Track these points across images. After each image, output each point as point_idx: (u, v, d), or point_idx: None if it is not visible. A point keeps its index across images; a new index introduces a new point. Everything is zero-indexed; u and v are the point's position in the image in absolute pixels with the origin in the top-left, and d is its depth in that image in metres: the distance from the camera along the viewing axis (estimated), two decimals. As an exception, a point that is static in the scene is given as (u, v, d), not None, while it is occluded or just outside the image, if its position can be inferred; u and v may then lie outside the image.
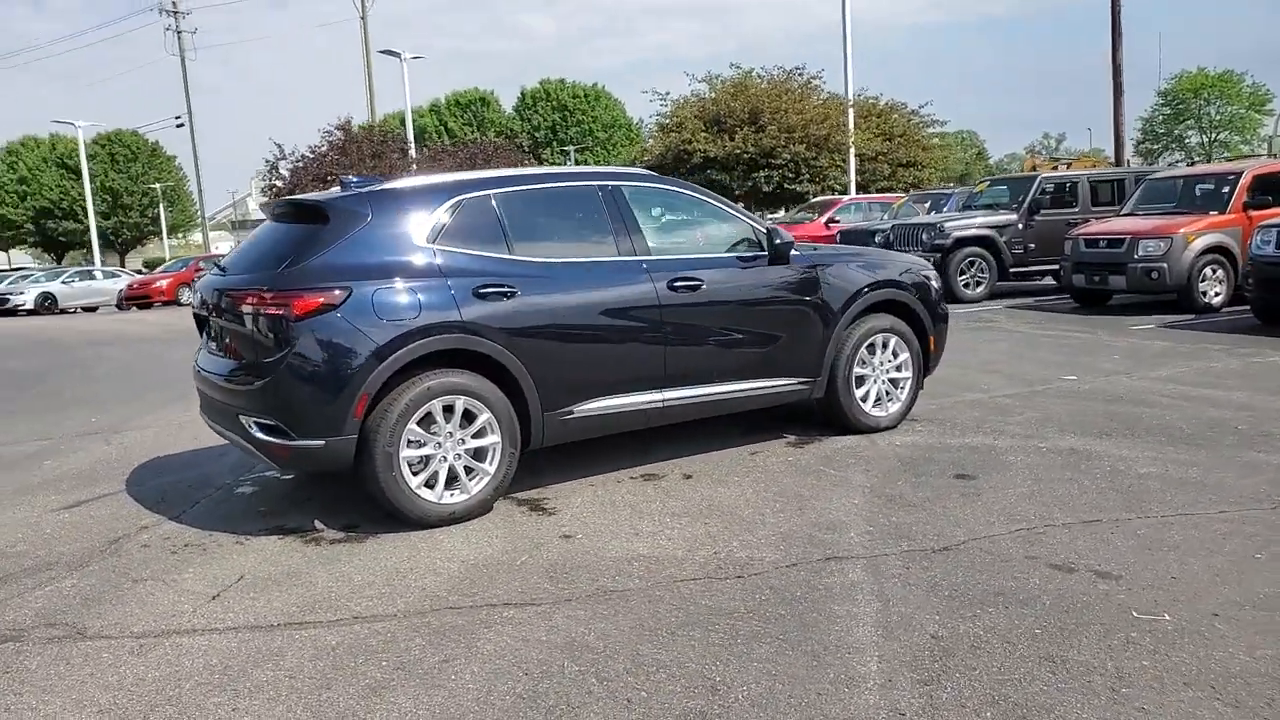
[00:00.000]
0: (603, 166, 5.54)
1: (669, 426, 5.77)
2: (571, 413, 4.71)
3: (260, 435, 4.25)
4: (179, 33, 47.26)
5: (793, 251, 5.42)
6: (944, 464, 5.08)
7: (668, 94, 28.28)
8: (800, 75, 27.38)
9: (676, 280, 4.97)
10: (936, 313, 6.05)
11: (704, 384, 5.14)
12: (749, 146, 25.23)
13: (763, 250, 5.35)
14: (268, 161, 28.80)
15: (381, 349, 4.16)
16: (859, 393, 5.73)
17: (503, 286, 4.49)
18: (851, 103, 26.12)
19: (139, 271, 39.44)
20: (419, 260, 4.38)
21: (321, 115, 49.29)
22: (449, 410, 4.36)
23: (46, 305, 29.86)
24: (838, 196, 22.62)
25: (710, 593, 3.52)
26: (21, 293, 30.29)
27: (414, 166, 30.34)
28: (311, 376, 4.13)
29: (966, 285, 14.50)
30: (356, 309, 4.17)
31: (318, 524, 4.52)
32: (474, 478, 4.46)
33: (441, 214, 4.51)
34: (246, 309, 4.23)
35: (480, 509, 4.47)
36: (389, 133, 29.15)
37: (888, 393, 5.86)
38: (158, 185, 62.37)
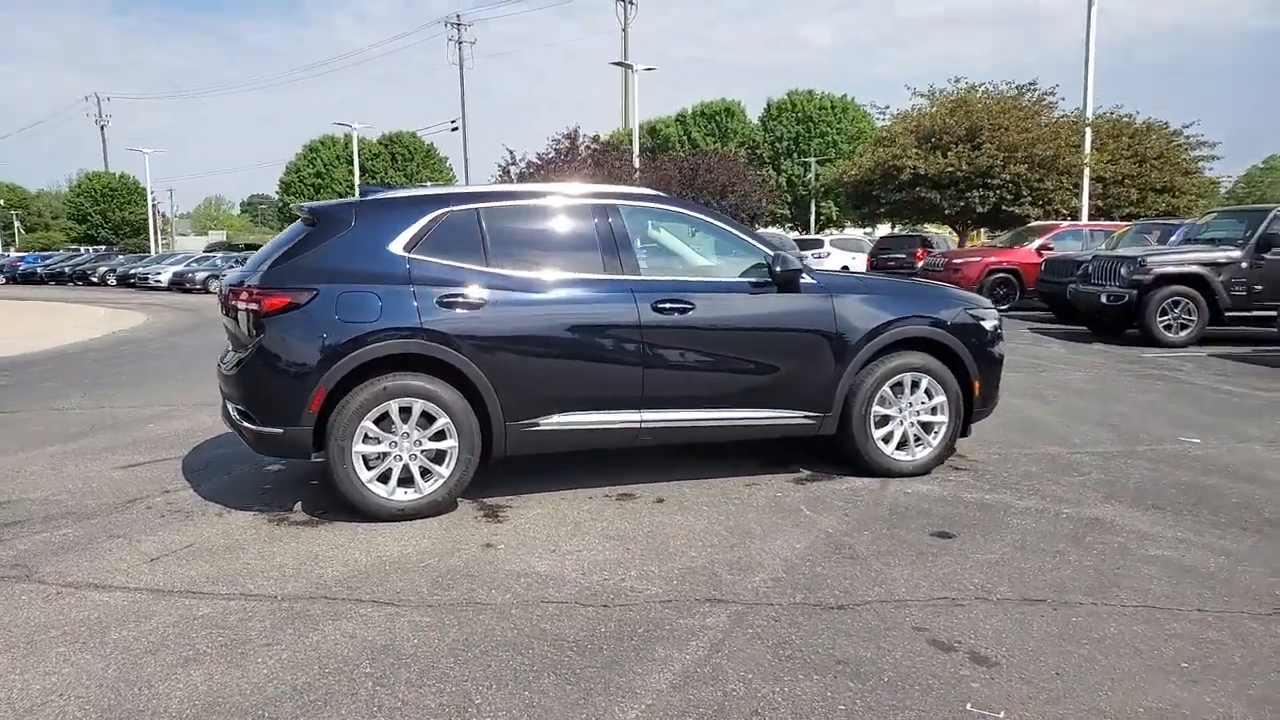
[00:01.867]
0: (609, 186, 5.53)
1: (681, 448, 5.74)
2: (537, 425, 4.79)
3: (237, 418, 4.67)
4: (459, 44, 51.70)
5: (804, 279, 5.20)
6: (935, 518, 4.70)
7: (887, 107, 27.44)
8: (1033, 91, 25.65)
9: (663, 302, 4.93)
10: (985, 355, 5.58)
11: (689, 409, 5.05)
12: (963, 165, 23.96)
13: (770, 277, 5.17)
14: (500, 166, 30.80)
15: (339, 348, 4.45)
16: (878, 433, 5.39)
17: (469, 297, 4.64)
18: (1089, 121, 24.13)
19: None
20: (389, 267, 4.62)
21: (589, 121, 51.17)
22: (406, 412, 4.58)
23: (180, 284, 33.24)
24: (1056, 222, 20.99)
25: (560, 617, 3.50)
26: (159, 274, 34.35)
27: (636, 176, 31.42)
28: (274, 369, 4.49)
29: (1168, 328, 12.99)
30: (320, 309, 4.47)
31: (296, 506, 4.88)
32: (429, 479, 4.65)
33: (422, 225, 4.74)
34: (234, 303, 4.66)
35: (431, 509, 4.64)
36: (612, 144, 30.13)
37: (917, 437, 5.48)
38: (428, 183, 68.01)
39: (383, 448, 4.57)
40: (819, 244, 31.83)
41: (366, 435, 4.54)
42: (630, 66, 35.33)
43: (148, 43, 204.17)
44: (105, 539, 4.41)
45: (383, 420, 4.56)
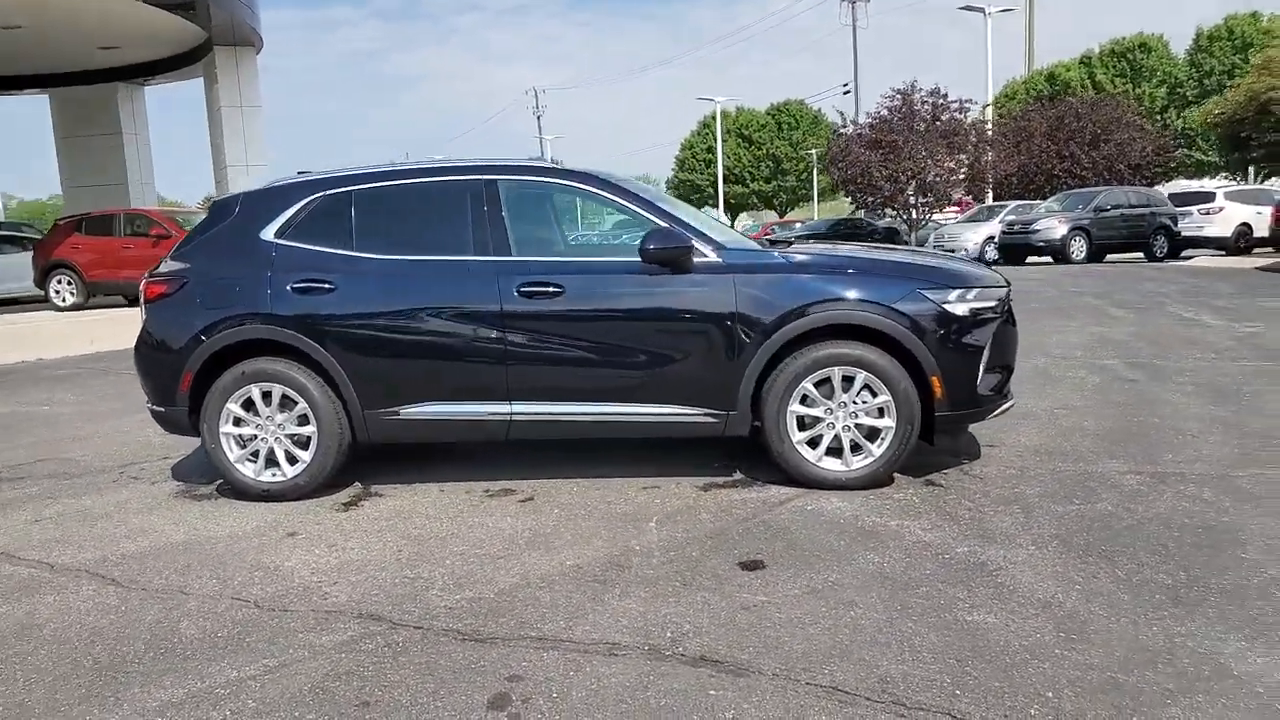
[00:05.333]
0: (496, 159, 4.99)
1: (618, 443, 5.33)
2: (397, 414, 4.71)
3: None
4: (853, 3, 50.66)
5: (701, 258, 4.53)
6: (777, 544, 3.90)
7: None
8: None
9: (529, 285, 4.58)
10: (952, 345, 4.47)
11: (564, 402, 4.66)
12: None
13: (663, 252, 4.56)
14: (832, 128, 29.86)
15: (200, 333, 4.73)
16: (799, 436, 4.56)
17: (323, 282, 4.68)
18: None
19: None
20: (256, 254, 4.80)
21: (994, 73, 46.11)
22: (268, 396, 4.75)
23: None
24: None
25: (209, 615, 3.47)
26: None
27: (988, 132, 28.68)
28: (151, 352, 4.89)
29: None
30: (187, 297, 4.79)
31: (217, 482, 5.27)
32: (296, 463, 4.79)
33: (294, 211, 4.85)
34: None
35: (294, 492, 4.78)
36: (949, 100, 27.82)
37: (856, 445, 4.55)
38: (814, 151, 67.62)
39: (249, 430, 4.78)
40: (1209, 197, 26.76)
41: (236, 418, 4.77)
42: (983, 10, 32.27)
43: (602, 34, 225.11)
44: (67, 498, 5.09)
45: (248, 403, 4.76)
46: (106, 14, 18.77)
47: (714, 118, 69.65)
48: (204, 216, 5.27)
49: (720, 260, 4.56)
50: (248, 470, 4.80)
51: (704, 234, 4.64)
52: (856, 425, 4.52)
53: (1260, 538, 3.77)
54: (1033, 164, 30.03)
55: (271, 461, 4.80)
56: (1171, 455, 5.01)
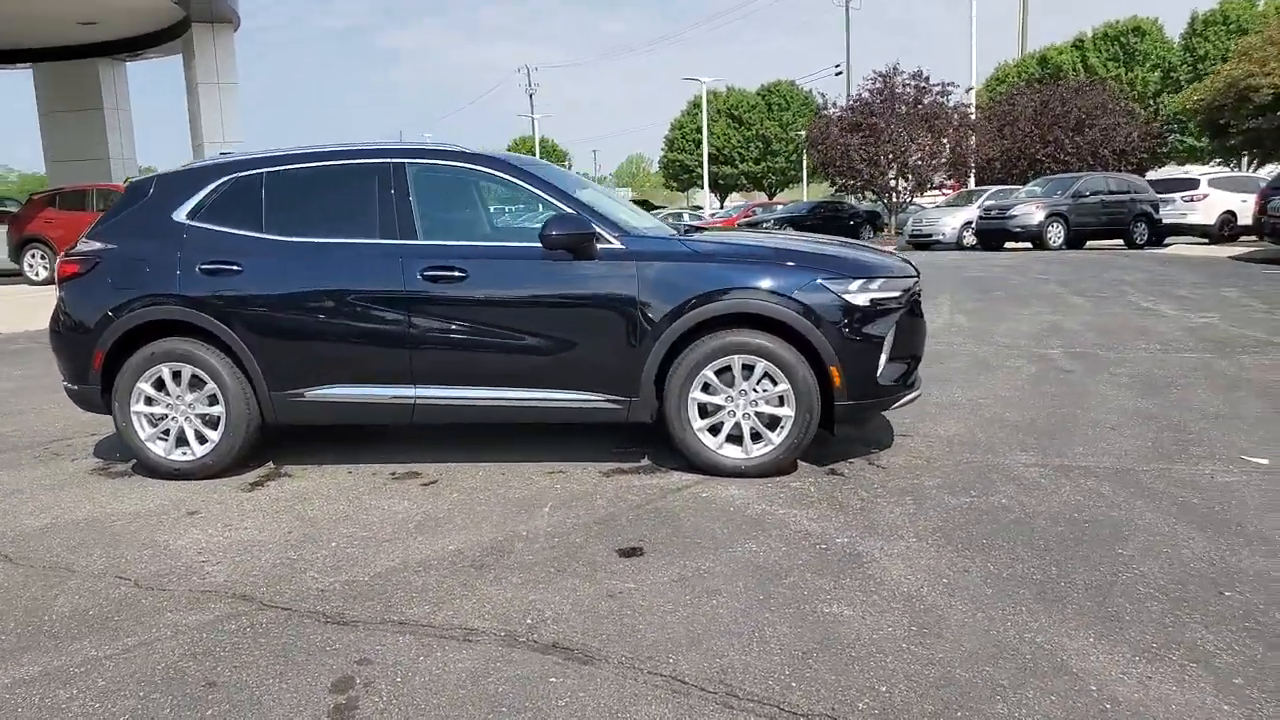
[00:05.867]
0: (400, 143, 5.06)
1: (528, 428, 5.36)
2: (303, 395, 4.73)
3: (62, 375, 5.16)
4: None
5: (605, 244, 4.55)
6: (661, 530, 3.94)
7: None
8: None
9: (431, 269, 4.59)
10: (851, 336, 4.49)
11: (467, 387, 4.68)
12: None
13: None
14: (815, 109, 29.79)
15: (110, 313, 4.74)
16: (699, 424, 4.59)
17: (231, 263, 4.69)
18: None
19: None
20: (167, 235, 4.80)
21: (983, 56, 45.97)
22: (178, 376, 4.76)
23: None
24: None
25: (82, 590, 3.50)
26: None
27: (971, 115, 28.61)
28: (66, 331, 4.90)
29: None
30: (99, 276, 4.80)
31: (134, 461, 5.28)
32: (205, 442, 4.81)
33: (206, 192, 4.85)
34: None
35: (202, 471, 4.80)
36: (932, 83, 27.71)
37: (756, 434, 4.58)
38: (803, 132, 67.33)
39: (159, 409, 4.80)
40: (1193, 184, 26.69)
41: (147, 397, 4.79)
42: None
43: (597, 11, 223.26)
44: (-35, 473, 5.14)
45: (158, 383, 4.78)
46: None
47: (703, 98, 69.40)
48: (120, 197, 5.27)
49: (623, 247, 4.57)
50: (158, 449, 4.82)
51: (608, 220, 4.65)
52: (757, 413, 4.55)
53: (1143, 533, 3.82)
54: (1016, 148, 29.97)
55: (182, 441, 4.82)
56: (1083, 448, 5.05)
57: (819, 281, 4.47)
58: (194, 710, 2.68)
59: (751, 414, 4.55)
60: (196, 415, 4.79)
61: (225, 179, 4.88)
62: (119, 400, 4.77)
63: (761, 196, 67.22)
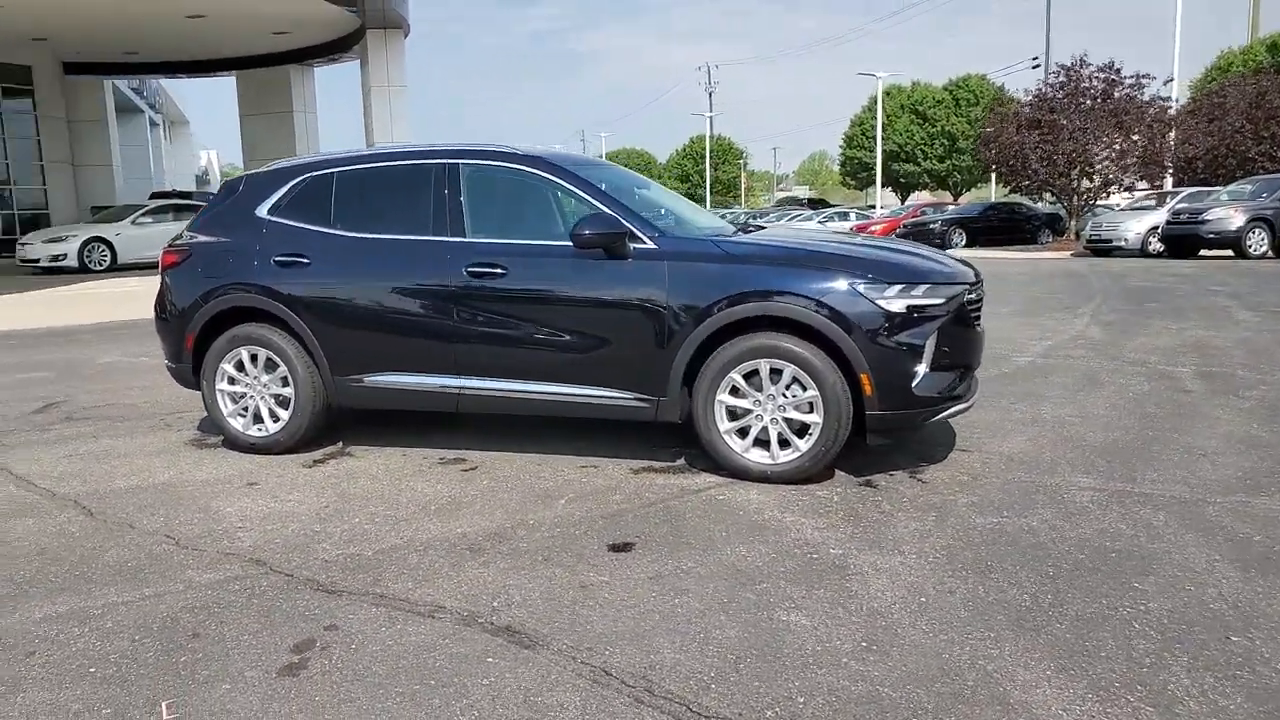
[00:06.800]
0: (460, 144, 5.20)
1: (591, 421, 5.51)
2: (361, 381, 5.09)
3: (166, 356, 5.74)
4: None
5: (639, 244, 4.64)
6: (658, 532, 4.00)
7: None
8: None
9: (476, 265, 4.83)
10: (884, 342, 4.38)
11: (508, 379, 4.89)
12: None
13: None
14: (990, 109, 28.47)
15: (199, 299, 5.26)
16: (727, 426, 4.61)
17: (300, 256, 5.10)
18: None
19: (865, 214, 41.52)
20: (250, 229, 5.27)
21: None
22: (255, 358, 5.23)
23: None
24: None
25: (133, 544, 3.93)
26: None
27: (1171, 109, 26.50)
28: (165, 314, 5.46)
29: None
30: (191, 266, 5.32)
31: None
32: (278, 420, 5.26)
33: (286, 190, 5.29)
34: (164, 260, 5.70)
35: (275, 447, 5.24)
36: (1124, 75, 25.83)
37: (784, 440, 4.55)
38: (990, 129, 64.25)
39: (239, 389, 5.28)
40: None
41: (229, 377, 5.28)
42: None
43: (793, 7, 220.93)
44: (82, 437, 5.81)
45: (240, 364, 5.26)
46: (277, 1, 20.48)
47: (888, 93, 67.17)
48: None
49: (656, 247, 4.64)
50: (238, 424, 5.30)
51: (644, 220, 4.73)
52: (786, 419, 4.51)
53: (1173, 568, 3.56)
54: (1224, 146, 27.36)
55: (258, 418, 5.28)
56: (1157, 474, 4.71)
57: (852, 285, 4.38)
58: (171, 655, 2.98)
59: (780, 419, 4.52)
60: (271, 395, 5.23)
61: (302, 178, 5.30)
62: (206, 378, 5.28)
63: (946, 196, 64.70)
